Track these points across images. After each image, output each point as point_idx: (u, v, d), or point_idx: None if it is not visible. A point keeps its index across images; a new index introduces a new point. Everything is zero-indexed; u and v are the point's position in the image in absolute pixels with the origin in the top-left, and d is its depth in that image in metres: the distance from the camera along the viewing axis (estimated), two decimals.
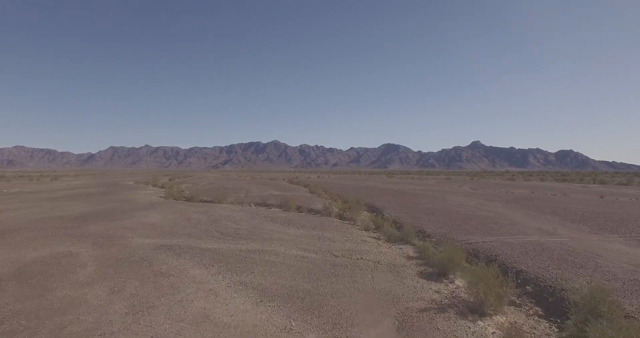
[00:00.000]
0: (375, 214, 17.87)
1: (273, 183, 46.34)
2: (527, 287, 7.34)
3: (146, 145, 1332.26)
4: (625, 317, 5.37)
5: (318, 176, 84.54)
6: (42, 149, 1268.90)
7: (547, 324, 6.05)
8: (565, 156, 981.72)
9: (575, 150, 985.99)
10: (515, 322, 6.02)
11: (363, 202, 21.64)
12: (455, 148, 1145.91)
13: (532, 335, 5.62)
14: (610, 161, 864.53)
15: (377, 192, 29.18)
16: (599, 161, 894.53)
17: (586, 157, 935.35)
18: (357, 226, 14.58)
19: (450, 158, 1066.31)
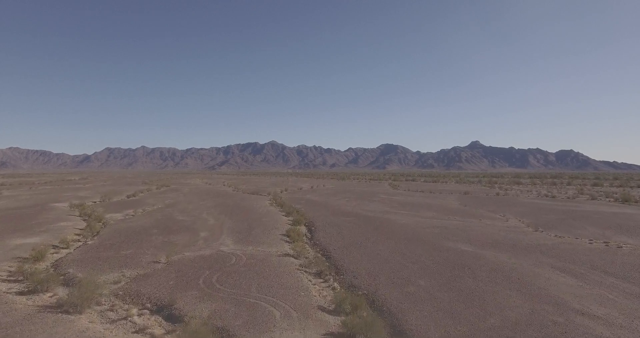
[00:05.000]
0: None
1: (247, 208, 34.90)
2: None
3: (142, 146, 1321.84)
4: None
5: (312, 187, 73.07)
6: (36, 151, 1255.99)
7: None
8: (565, 156, 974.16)
9: (576, 150, 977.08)
10: None
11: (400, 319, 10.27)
12: (455, 148, 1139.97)
13: None
14: (612, 161, 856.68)
15: (415, 254, 17.73)
16: (599, 161, 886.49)
17: (587, 157, 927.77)
18: None
19: (449, 158, 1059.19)
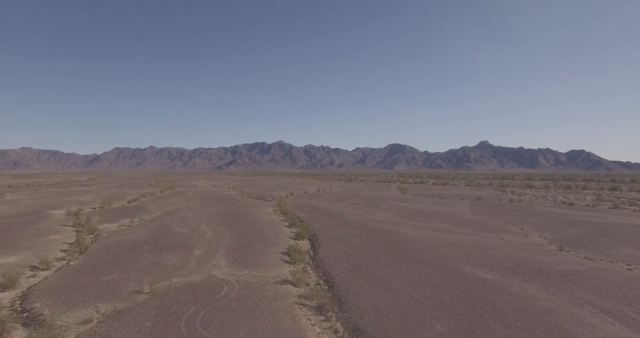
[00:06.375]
0: None
1: (249, 217, 33.26)
2: None
3: (151, 146, 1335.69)
4: None
5: (318, 191, 71.33)
6: (48, 151, 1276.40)
7: None
8: (576, 156, 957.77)
9: (587, 150, 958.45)
10: None
11: None
12: (463, 148, 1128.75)
13: None
14: (625, 161, 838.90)
15: None
16: (612, 161, 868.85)
17: (599, 157, 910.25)
18: None
19: (457, 158, 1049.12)
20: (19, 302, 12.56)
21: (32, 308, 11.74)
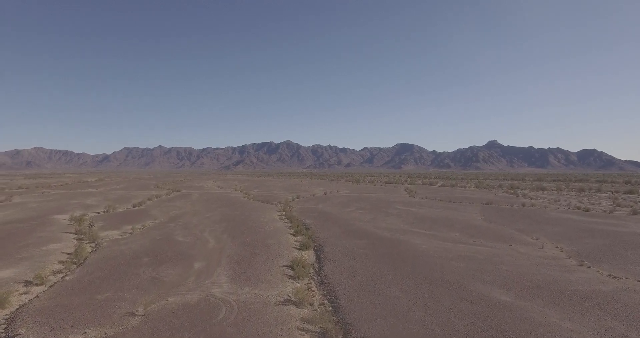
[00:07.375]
0: None
1: (254, 223, 32.49)
2: None
3: (160, 146, 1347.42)
4: None
5: (325, 193, 70.42)
6: (59, 151, 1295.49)
7: None
8: (588, 155, 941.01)
9: (599, 149, 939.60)
10: None
11: None
12: (472, 148, 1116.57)
13: None
14: (639, 160, 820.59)
15: None
16: (625, 160, 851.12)
17: (611, 157, 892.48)
18: None
19: (466, 158, 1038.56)
20: (5, 326, 11.89)
21: (16, 335, 11.05)
